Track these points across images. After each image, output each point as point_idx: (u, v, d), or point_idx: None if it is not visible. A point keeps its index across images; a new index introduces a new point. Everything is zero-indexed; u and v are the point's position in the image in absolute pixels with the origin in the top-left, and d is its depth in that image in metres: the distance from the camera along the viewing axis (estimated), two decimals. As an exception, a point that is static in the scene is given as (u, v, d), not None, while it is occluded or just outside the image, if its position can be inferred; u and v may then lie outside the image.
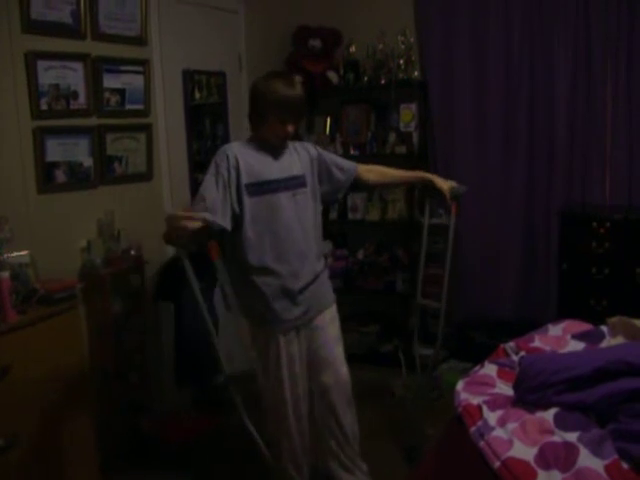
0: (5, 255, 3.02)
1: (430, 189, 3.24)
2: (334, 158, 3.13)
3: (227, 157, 2.75)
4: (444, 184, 3.18)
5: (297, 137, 5.02)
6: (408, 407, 3.53)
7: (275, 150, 2.87)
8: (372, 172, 3.20)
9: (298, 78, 2.91)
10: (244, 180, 2.75)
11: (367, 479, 3.11)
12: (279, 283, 2.82)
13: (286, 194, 2.82)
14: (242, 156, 2.78)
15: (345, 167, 3.10)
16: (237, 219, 2.75)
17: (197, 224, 2.57)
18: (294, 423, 2.92)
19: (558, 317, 3.17)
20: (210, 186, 2.71)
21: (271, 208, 2.79)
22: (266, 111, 2.76)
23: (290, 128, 2.78)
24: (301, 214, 2.86)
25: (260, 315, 2.87)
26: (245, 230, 2.76)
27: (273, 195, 2.79)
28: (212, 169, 2.76)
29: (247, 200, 2.75)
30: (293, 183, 2.86)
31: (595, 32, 4.11)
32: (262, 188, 2.78)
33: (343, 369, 3.04)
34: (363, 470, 3.12)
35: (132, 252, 3.74)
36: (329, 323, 3.00)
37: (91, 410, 3.26)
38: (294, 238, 2.82)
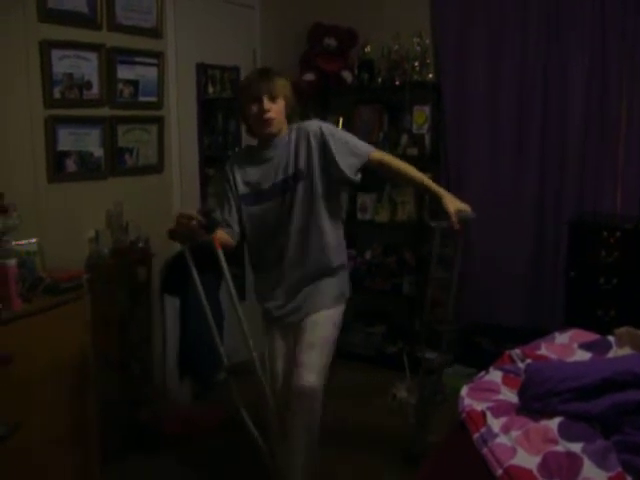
0: (13, 242, 3.01)
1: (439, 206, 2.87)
2: (343, 142, 2.82)
3: (225, 172, 2.91)
4: (452, 205, 2.80)
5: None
6: (410, 411, 3.51)
7: (271, 150, 2.83)
8: (385, 166, 2.88)
9: (280, 79, 2.79)
10: (240, 191, 2.87)
11: None
12: (269, 284, 2.96)
13: (280, 198, 2.82)
14: (240, 167, 2.89)
15: (358, 152, 2.82)
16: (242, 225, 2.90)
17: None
18: (274, 417, 2.91)
19: (565, 325, 3.15)
20: (217, 200, 2.94)
21: (263, 216, 2.86)
22: (241, 99, 2.81)
23: (265, 105, 2.71)
24: (302, 212, 2.82)
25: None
26: (247, 235, 2.92)
27: (266, 203, 2.85)
28: (217, 182, 3.01)
29: (244, 209, 2.88)
30: (289, 184, 2.80)
31: (611, 42, 4.08)
32: (257, 197, 2.86)
33: (306, 377, 2.79)
34: None
35: (140, 244, 3.74)
36: (311, 327, 2.89)
37: (93, 400, 3.25)
38: (284, 244, 2.85)
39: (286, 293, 2.91)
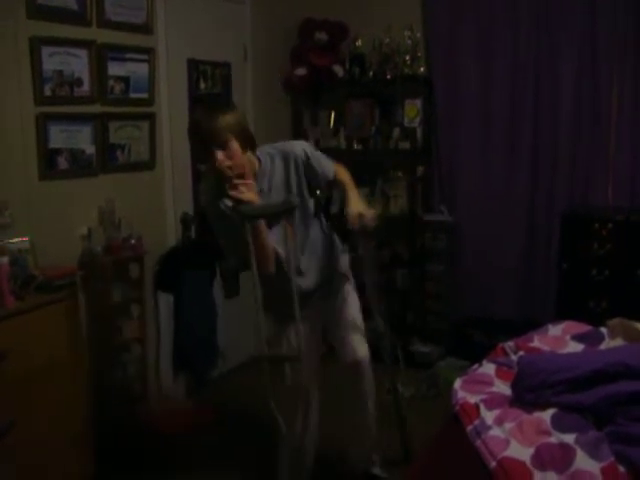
0: (5, 240, 3.01)
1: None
2: (320, 160, 2.93)
3: (219, 210, 2.70)
4: (354, 208, 2.85)
5: (302, 132, 5.04)
6: (402, 404, 3.52)
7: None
8: (338, 178, 2.99)
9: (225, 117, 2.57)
10: None
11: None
12: (282, 304, 2.86)
13: (273, 227, 2.75)
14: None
15: (326, 172, 2.93)
16: None
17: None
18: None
19: (557, 318, 3.16)
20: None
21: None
22: (196, 145, 2.67)
23: (219, 156, 2.53)
24: (300, 233, 2.85)
25: None
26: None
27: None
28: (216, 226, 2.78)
29: None
30: (278, 214, 2.74)
31: (602, 34, 4.10)
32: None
33: (359, 351, 3.11)
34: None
35: (132, 241, 3.72)
36: (341, 307, 3.10)
37: (88, 398, 3.26)
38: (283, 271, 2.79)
39: (301, 299, 2.84)
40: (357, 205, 2.88)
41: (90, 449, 3.27)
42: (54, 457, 3.03)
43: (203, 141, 2.56)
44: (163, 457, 3.62)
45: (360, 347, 3.10)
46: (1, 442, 2.71)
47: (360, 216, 2.84)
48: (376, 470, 3.34)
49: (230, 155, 2.55)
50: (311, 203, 2.92)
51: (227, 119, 2.56)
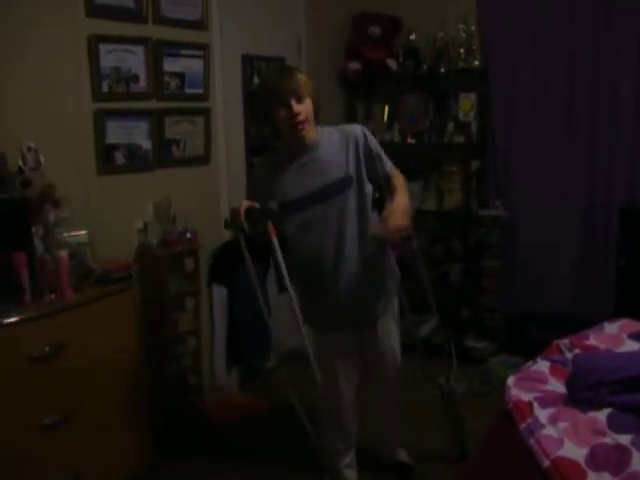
0: (64, 234, 3.08)
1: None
2: (378, 148, 2.83)
3: (255, 190, 2.83)
4: (385, 220, 2.58)
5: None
6: (454, 400, 3.50)
7: (310, 155, 2.70)
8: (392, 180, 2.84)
9: (302, 76, 2.65)
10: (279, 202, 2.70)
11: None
12: (322, 302, 2.91)
13: (318, 208, 2.71)
14: (272, 181, 2.73)
15: (384, 164, 2.84)
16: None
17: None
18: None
19: (614, 315, 3.10)
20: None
21: (300, 228, 2.74)
22: (266, 104, 2.65)
23: (294, 108, 2.55)
24: (357, 220, 2.75)
25: None
26: (289, 252, 2.80)
27: (302, 214, 2.72)
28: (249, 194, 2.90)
29: (285, 221, 2.75)
30: (337, 190, 2.70)
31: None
32: (289, 208, 2.70)
33: (394, 361, 3.20)
34: None
35: (188, 235, 3.77)
36: (384, 322, 3.07)
37: (144, 389, 3.31)
38: (326, 256, 2.76)
39: (347, 302, 2.85)
40: (388, 216, 2.58)
41: (147, 439, 3.32)
42: (110, 447, 3.09)
43: (283, 94, 2.56)
44: (216, 447, 3.67)
45: (395, 359, 3.18)
46: (59, 431, 2.79)
47: (398, 229, 2.60)
48: (403, 457, 3.40)
49: (305, 109, 2.59)
50: (369, 193, 2.79)
51: (304, 78, 2.64)
